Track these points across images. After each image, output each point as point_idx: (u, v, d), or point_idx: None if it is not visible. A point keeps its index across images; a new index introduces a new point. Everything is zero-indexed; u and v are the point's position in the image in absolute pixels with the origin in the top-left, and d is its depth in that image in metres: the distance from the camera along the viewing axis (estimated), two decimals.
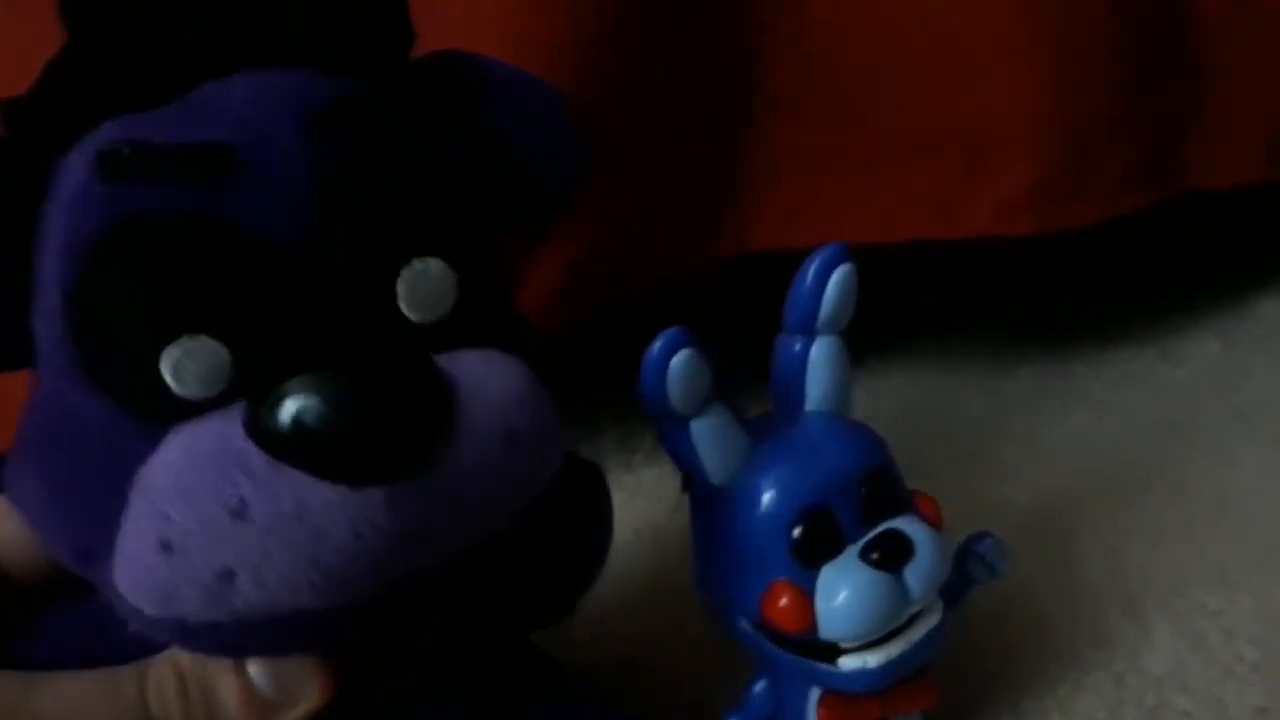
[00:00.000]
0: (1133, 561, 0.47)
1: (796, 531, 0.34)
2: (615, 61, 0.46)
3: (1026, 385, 0.60)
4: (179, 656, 0.29)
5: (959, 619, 0.37)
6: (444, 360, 0.27)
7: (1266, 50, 0.54)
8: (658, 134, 0.49)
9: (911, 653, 0.34)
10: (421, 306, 0.28)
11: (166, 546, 0.25)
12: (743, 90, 0.50)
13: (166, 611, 0.26)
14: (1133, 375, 0.60)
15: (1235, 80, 0.54)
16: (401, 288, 0.27)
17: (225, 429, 0.26)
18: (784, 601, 0.33)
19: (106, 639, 0.28)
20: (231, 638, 0.27)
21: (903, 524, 0.34)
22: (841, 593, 0.33)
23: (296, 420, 0.25)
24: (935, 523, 0.35)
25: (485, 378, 0.28)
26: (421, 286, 0.28)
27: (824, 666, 0.34)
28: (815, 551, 0.34)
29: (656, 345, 0.32)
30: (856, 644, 0.34)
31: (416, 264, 0.27)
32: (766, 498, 0.34)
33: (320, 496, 0.25)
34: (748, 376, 0.36)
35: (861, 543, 0.34)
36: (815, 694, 0.35)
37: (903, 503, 0.35)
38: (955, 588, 0.36)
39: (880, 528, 0.34)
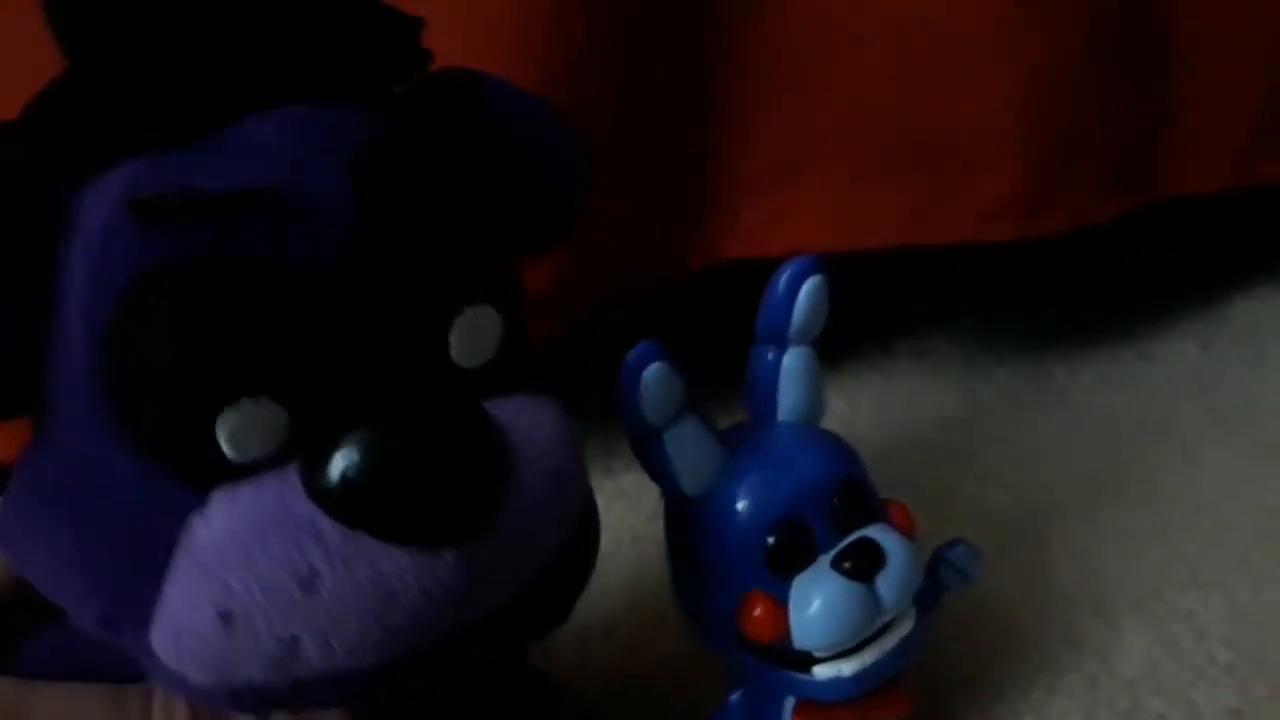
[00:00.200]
0: (1106, 564, 0.47)
1: (769, 541, 0.34)
2: (588, 73, 0.47)
3: (1004, 387, 0.60)
4: None
5: (932, 625, 0.37)
6: (492, 407, 0.27)
7: (1236, 58, 0.55)
8: (632, 144, 0.49)
9: (885, 661, 0.35)
10: (472, 354, 0.27)
11: (227, 617, 0.24)
12: (719, 100, 0.51)
13: (217, 679, 0.25)
14: (1110, 378, 0.60)
15: (1205, 88, 0.55)
16: (454, 336, 0.27)
17: (284, 491, 0.24)
18: (758, 611, 0.34)
19: (77, 661, 0.28)
20: (281, 698, 0.26)
21: (875, 533, 0.34)
22: (814, 602, 0.33)
23: (368, 484, 0.24)
24: (908, 531, 0.35)
25: (530, 421, 0.27)
26: (474, 334, 0.27)
27: (798, 675, 0.35)
28: (788, 561, 0.34)
29: (629, 358, 0.33)
30: (830, 653, 0.34)
31: (469, 312, 0.27)
32: (739, 508, 0.34)
33: (395, 562, 0.24)
34: (729, 386, 0.36)
35: (834, 552, 0.34)
36: (790, 703, 0.35)
37: (875, 512, 0.35)
38: (928, 594, 0.36)
39: (852, 537, 0.34)
